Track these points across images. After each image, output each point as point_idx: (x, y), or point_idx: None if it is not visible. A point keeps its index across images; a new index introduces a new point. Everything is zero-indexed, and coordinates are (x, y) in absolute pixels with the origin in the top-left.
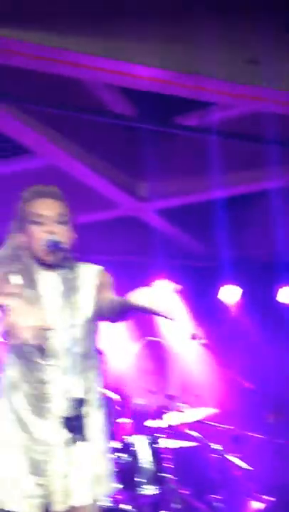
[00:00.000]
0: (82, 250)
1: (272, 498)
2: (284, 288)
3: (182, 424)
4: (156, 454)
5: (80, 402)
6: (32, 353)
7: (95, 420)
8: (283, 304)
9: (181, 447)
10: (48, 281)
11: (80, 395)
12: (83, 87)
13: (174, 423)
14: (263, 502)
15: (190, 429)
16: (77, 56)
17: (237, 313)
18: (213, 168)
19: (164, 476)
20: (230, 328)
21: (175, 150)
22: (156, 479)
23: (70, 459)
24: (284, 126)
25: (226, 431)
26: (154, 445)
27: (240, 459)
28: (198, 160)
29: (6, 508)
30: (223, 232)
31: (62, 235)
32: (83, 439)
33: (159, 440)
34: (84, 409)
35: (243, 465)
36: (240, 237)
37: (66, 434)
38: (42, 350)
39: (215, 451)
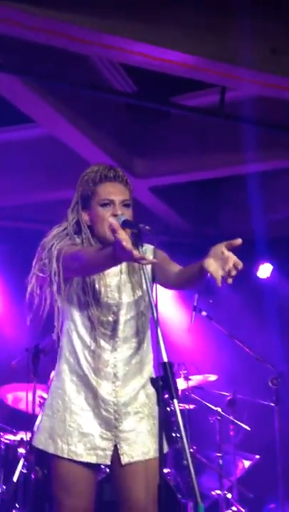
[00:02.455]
0: None
1: (257, 456)
2: (264, 264)
3: (187, 389)
4: (166, 416)
5: (170, 365)
6: (96, 323)
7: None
8: (262, 279)
9: (186, 409)
10: None
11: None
12: (89, 64)
13: (181, 388)
14: (250, 459)
15: (193, 394)
16: (112, 39)
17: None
18: (209, 149)
19: (173, 436)
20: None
21: (172, 129)
22: (166, 438)
23: (137, 417)
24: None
25: (223, 395)
26: (164, 407)
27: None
28: (193, 140)
29: (76, 459)
30: (207, 210)
31: (128, 216)
32: (175, 396)
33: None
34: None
35: (239, 425)
36: (223, 215)
37: (155, 394)
38: (106, 321)
39: (214, 412)
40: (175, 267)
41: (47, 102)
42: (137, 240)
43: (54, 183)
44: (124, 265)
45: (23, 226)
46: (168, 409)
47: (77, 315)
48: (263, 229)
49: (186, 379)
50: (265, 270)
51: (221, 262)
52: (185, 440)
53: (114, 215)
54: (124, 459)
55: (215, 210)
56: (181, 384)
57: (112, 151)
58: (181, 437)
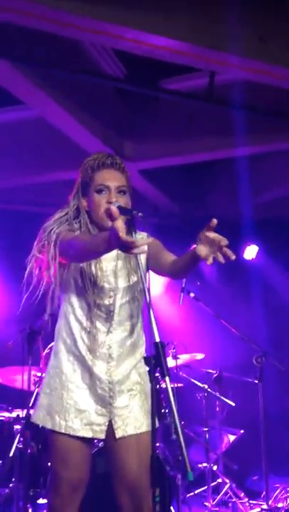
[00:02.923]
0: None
1: (241, 431)
2: (250, 246)
3: (175, 367)
4: (157, 393)
5: (162, 345)
6: (93, 306)
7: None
8: (248, 260)
9: (174, 387)
10: None
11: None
12: (80, 49)
13: (169, 366)
14: (235, 434)
15: (181, 371)
16: (102, 25)
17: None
18: (198, 132)
19: (162, 412)
20: (205, 281)
21: (162, 113)
22: (157, 415)
23: (130, 394)
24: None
25: (210, 373)
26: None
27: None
28: (183, 124)
29: (73, 433)
30: (196, 193)
31: (123, 203)
32: (166, 374)
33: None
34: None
35: (225, 401)
36: (211, 198)
37: (149, 372)
38: (103, 305)
39: (201, 389)
40: (169, 256)
41: (37, 84)
42: (131, 227)
43: (43, 165)
44: (120, 251)
45: (13, 208)
46: (158, 386)
47: (74, 298)
48: (249, 211)
49: (175, 358)
50: (250, 252)
51: (210, 246)
52: (176, 414)
53: (109, 202)
54: (119, 433)
55: (203, 192)
56: (170, 362)
57: (102, 134)
58: (171, 412)
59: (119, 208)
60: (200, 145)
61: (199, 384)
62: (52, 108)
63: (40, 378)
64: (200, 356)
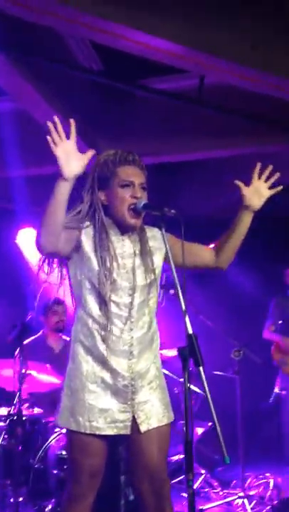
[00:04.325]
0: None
1: (209, 423)
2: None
3: None
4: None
5: (195, 337)
6: (110, 305)
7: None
8: None
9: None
10: (122, 241)
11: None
12: (61, 40)
13: None
14: (203, 427)
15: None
16: (96, 21)
17: None
18: (173, 133)
19: None
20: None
21: (137, 112)
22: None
23: (150, 388)
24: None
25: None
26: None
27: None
28: (157, 124)
29: (98, 433)
30: (166, 190)
31: (145, 199)
32: (200, 363)
33: None
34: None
35: (198, 395)
36: (182, 195)
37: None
38: (123, 303)
39: (178, 384)
40: (202, 251)
41: (18, 72)
42: (160, 223)
43: (14, 159)
44: (137, 248)
45: None
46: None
47: (91, 299)
48: (219, 211)
49: None
50: None
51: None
52: (211, 402)
53: (135, 197)
54: (143, 427)
55: (174, 189)
56: None
57: (79, 131)
58: (206, 400)
59: (146, 204)
60: (176, 145)
61: (177, 378)
62: (31, 96)
63: (24, 375)
64: (174, 352)
